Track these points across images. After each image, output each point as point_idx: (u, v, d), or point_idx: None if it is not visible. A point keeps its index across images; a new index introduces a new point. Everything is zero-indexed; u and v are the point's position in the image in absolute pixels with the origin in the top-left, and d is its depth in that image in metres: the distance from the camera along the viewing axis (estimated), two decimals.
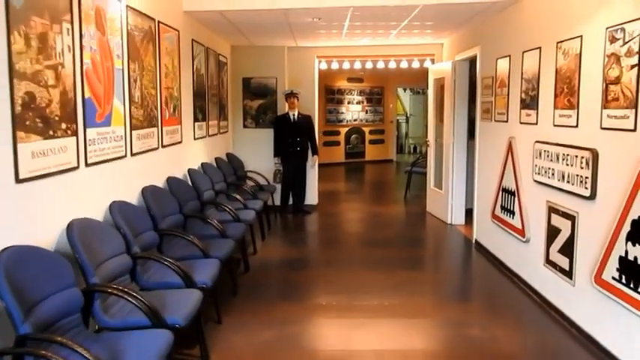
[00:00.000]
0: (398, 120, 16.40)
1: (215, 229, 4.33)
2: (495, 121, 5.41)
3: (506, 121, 5.06)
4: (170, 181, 4.54)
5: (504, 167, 5.06)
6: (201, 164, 5.76)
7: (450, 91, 6.96)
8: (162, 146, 4.52)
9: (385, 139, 15.43)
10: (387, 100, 15.36)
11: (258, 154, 8.03)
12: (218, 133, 6.92)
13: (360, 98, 14.87)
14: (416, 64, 8.70)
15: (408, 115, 17.78)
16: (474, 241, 6.10)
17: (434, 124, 7.77)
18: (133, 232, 3.34)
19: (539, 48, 4.26)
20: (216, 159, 6.45)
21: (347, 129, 14.67)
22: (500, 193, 5.17)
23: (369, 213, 8.05)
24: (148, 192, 3.93)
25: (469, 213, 7.03)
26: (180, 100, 5.03)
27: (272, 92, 8.02)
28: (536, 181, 4.31)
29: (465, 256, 5.92)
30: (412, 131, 17.75)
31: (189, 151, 5.40)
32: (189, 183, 5.09)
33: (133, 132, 3.79)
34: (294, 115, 7.63)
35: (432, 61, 8.18)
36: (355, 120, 14.81)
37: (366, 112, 14.99)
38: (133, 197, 3.78)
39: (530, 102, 4.48)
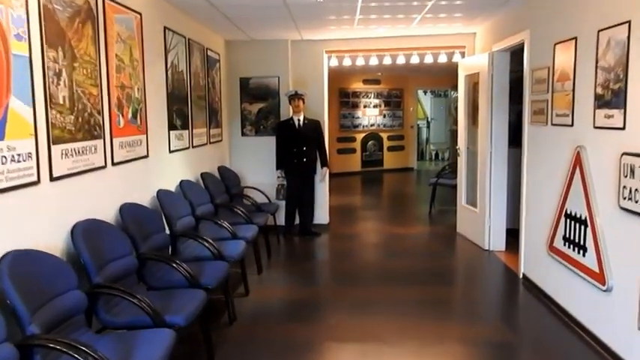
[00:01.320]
0: (418, 125, 15.17)
1: (185, 275, 3.19)
2: (553, 124, 4.18)
3: (571, 125, 3.84)
4: (125, 209, 3.41)
5: (568, 186, 3.83)
6: (180, 183, 4.63)
7: (487, 89, 5.74)
8: (114, 163, 3.39)
9: (405, 146, 14.21)
10: (406, 103, 14.14)
11: (260, 167, 6.91)
12: (208, 143, 5.80)
13: (377, 101, 13.68)
14: (443, 59, 7.47)
15: (429, 119, 16.58)
16: (520, 276, 4.86)
17: (465, 128, 6.55)
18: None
19: (628, 22, 3.04)
20: (203, 175, 5.31)
21: (363, 135, 13.49)
22: (563, 219, 3.93)
23: (389, 235, 6.83)
24: (80, 233, 2.80)
25: (511, 234, 5.80)
26: (144, 102, 3.91)
27: (274, 94, 6.89)
28: (624, 208, 3.07)
29: (510, 298, 4.67)
30: (434, 137, 16.55)
31: (160, 168, 4.28)
32: (160, 209, 3.96)
33: (53, 147, 2.67)
34: (299, 120, 6.48)
35: (463, 55, 6.97)
36: (372, 125, 13.63)
37: (384, 117, 13.80)
38: (49, 242, 2.65)
39: (611, 99, 3.25)
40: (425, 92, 16.61)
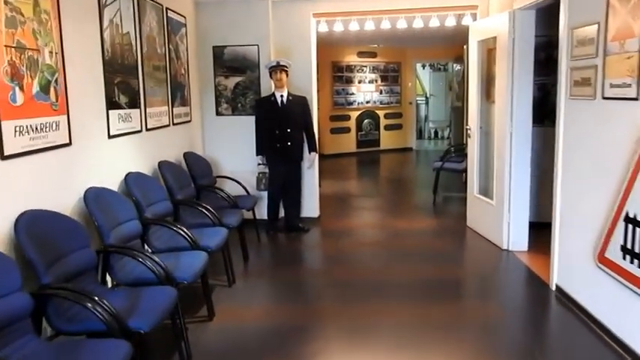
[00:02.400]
0: (417, 101, 14.14)
1: (106, 315, 2.24)
2: (605, 98, 3.20)
3: (636, 99, 2.86)
4: (25, 224, 2.43)
5: (631, 181, 2.88)
6: (126, 177, 3.64)
7: (506, 56, 4.74)
8: (4, 157, 2.40)
9: (403, 124, 13.21)
10: (404, 78, 13.09)
11: (238, 152, 5.92)
12: (170, 125, 4.79)
13: (373, 76, 12.63)
14: (451, 22, 6.42)
15: (428, 95, 15.56)
16: (553, 287, 3.94)
17: (477, 104, 5.55)
18: None
19: None
20: (162, 165, 4.31)
21: (358, 113, 12.48)
22: (621, 224, 2.99)
23: (389, 230, 5.87)
24: None
25: (534, 229, 4.89)
26: (63, 72, 2.91)
27: (253, 66, 5.86)
28: None
29: (542, 317, 3.73)
30: (433, 114, 15.58)
31: (91, 159, 3.28)
32: (88, 216, 2.98)
33: None
34: (282, 96, 5.47)
35: (474, 17, 5.93)
36: (368, 102, 12.61)
37: (381, 93, 12.77)
38: None
39: None
40: (423, 66, 15.57)
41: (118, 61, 3.66)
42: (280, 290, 4.17)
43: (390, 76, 12.89)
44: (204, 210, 4.00)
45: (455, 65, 11.33)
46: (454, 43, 10.91)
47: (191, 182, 4.66)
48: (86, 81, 3.21)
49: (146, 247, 3.51)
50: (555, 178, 3.92)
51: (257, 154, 5.61)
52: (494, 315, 3.64)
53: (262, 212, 5.77)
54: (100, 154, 3.37)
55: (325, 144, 12.05)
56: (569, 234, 3.73)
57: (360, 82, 12.45)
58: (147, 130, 4.18)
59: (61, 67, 2.88)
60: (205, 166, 5.22)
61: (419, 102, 14.78)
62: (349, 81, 12.32)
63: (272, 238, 5.56)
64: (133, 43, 3.93)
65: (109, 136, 3.50)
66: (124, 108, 3.74)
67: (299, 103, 5.55)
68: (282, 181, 5.58)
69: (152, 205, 3.67)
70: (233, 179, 5.43)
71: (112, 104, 3.54)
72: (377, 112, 12.74)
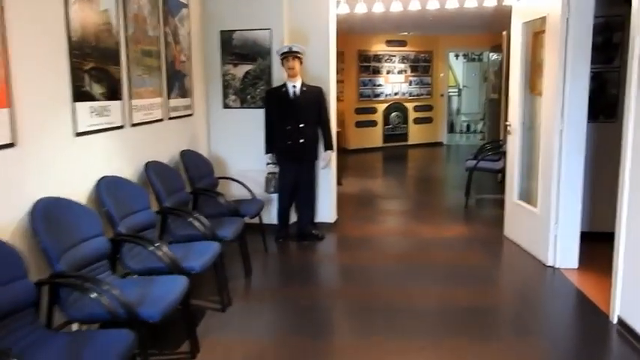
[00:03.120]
0: (449, 93, 13.31)
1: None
2: None
3: None
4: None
5: None
6: (98, 183, 3.06)
7: (558, 40, 3.99)
8: None
9: (434, 117, 12.43)
10: (436, 69, 12.28)
11: (247, 149, 5.32)
12: (165, 119, 4.21)
13: (402, 66, 11.87)
14: (491, 2, 5.65)
15: (461, 86, 14.71)
16: (614, 319, 3.22)
17: (520, 97, 4.80)
18: None
19: None
20: (150, 166, 3.72)
21: (386, 105, 11.76)
22: None
23: (415, 240, 5.17)
24: None
25: (586, 241, 4.16)
26: (3, 54, 2.33)
27: (265, 53, 5.23)
28: None
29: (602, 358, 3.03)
30: (465, 107, 14.75)
31: (48, 163, 2.70)
32: (38, 232, 2.41)
33: None
34: (294, 87, 4.84)
35: None
36: (396, 94, 11.87)
37: (410, 84, 12.00)
38: None
39: None
40: (456, 56, 14.71)
41: (91, 44, 3.08)
42: (284, 317, 3.54)
43: (421, 66, 12.11)
44: (194, 221, 3.40)
45: (491, 54, 10.47)
46: (491, 30, 10.08)
47: (185, 186, 4.06)
48: (42, 67, 2.64)
49: (122, 266, 2.94)
50: (621, 184, 3.19)
51: (266, 153, 5.00)
52: (540, 357, 2.94)
53: (272, 217, 5.17)
54: (61, 157, 2.79)
55: (349, 138, 11.40)
56: (638, 252, 3.00)
57: (388, 72, 11.71)
58: (132, 125, 3.60)
59: None
60: (206, 166, 4.62)
61: (451, 94, 13.94)
62: (376, 71, 11.59)
63: (281, 247, 4.94)
64: (113, 22, 3.34)
65: (76, 134, 2.93)
66: (99, 100, 3.16)
67: (314, 95, 4.91)
68: (294, 183, 4.95)
69: (130, 215, 3.10)
70: (237, 180, 4.83)
71: (80, 95, 2.96)
72: (406, 104, 11.99)
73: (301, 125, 4.82)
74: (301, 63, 4.84)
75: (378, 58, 11.57)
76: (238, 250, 4.09)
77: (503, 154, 6.14)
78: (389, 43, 11.57)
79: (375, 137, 11.71)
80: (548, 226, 4.21)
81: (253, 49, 5.23)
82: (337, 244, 5.12)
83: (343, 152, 11.36)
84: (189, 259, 2.97)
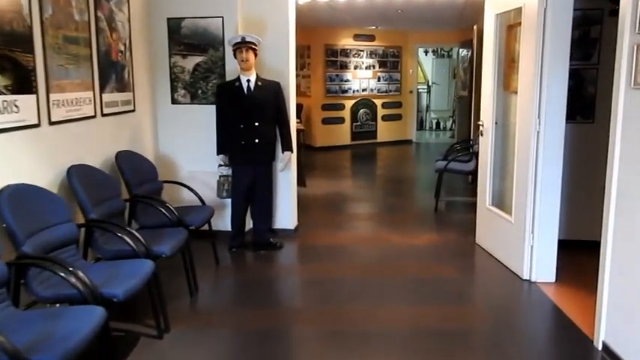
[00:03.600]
0: (418, 90, 13.02)
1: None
2: None
3: None
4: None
5: None
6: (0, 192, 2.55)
7: (535, 34, 3.64)
8: None
9: (403, 115, 12.10)
10: (405, 65, 11.96)
11: (199, 148, 4.84)
12: (98, 116, 3.69)
13: (370, 62, 11.49)
14: None
15: (430, 83, 14.44)
16: (599, 345, 2.88)
17: (493, 94, 4.45)
18: None
19: None
20: (73, 171, 3.19)
21: (354, 102, 11.37)
22: None
23: (382, 248, 4.77)
24: None
25: (565, 250, 3.85)
26: None
27: (217, 43, 4.74)
28: None
29: None
30: (435, 104, 14.52)
31: None
32: None
33: None
34: (249, 81, 4.38)
35: None
36: (364, 90, 11.49)
37: (379, 80, 11.65)
38: None
39: None
40: (426, 52, 14.46)
41: None
42: (233, 345, 3.08)
43: (390, 61, 11.76)
44: (125, 235, 2.92)
45: (461, 50, 10.18)
46: (461, 25, 9.80)
47: (120, 193, 3.56)
48: None
49: (28, 291, 2.44)
50: (608, 191, 2.84)
51: (218, 153, 4.53)
52: None
53: (226, 223, 4.70)
54: None
55: (316, 136, 10.98)
56: (627, 269, 2.66)
57: (356, 67, 11.32)
58: (51, 123, 3.08)
59: None
60: (148, 168, 4.12)
61: (420, 90, 13.67)
62: (344, 66, 11.18)
63: (235, 258, 4.48)
64: (24, 3, 2.82)
65: None
66: (2, 93, 2.64)
67: (270, 91, 4.46)
68: (249, 187, 4.50)
69: (42, 231, 2.60)
70: (184, 185, 4.34)
71: None
72: (374, 101, 11.63)
73: (256, 124, 4.36)
74: (256, 55, 4.38)
75: (345, 52, 11.17)
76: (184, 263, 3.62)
77: (475, 155, 5.81)
78: (357, 37, 11.17)
79: (342, 135, 11.32)
80: (523, 237, 3.87)
81: (204, 38, 4.74)
82: (298, 254, 4.70)
83: (309, 150, 10.98)
84: (112, 284, 2.50)
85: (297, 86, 11.60)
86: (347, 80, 11.24)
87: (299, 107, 11.20)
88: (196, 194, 4.22)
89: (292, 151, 4.66)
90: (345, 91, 11.25)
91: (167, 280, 3.53)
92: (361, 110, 11.50)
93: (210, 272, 4.12)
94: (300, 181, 7.28)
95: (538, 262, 3.83)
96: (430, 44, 13.02)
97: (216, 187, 4.60)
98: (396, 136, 11.93)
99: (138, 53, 4.44)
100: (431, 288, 3.82)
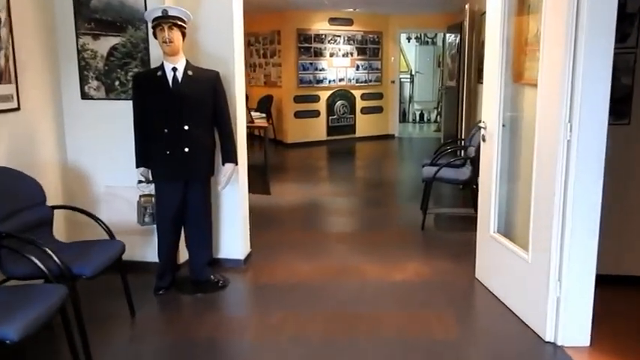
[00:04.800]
0: (400, 79, 11.97)
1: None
2: None
3: None
4: None
5: None
6: None
7: (567, 3, 2.57)
8: None
9: (384, 107, 11.04)
10: (386, 51, 10.88)
11: (118, 156, 3.70)
12: None
13: (348, 48, 10.38)
14: None
15: (413, 72, 13.42)
16: None
17: (499, 87, 3.37)
18: None
19: None
20: None
21: (330, 93, 10.27)
22: None
23: (358, 288, 3.62)
24: None
25: (597, 287, 2.83)
26: None
27: (138, 20, 3.58)
28: None
29: None
30: (419, 94, 13.56)
31: None
32: None
33: None
34: (175, 70, 3.25)
35: None
36: (341, 80, 10.39)
37: (357, 69, 10.56)
38: None
39: None
40: (408, 39, 13.43)
41: None
42: None
43: (370, 48, 10.65)
44: None
45: (448, 36, 9.11)
46: (448, 8, 8.77)
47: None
48: None
49: None
50: None
51: (137, 166, 3.41)
52: None
53: (153, 254, 3.59)
54: None
55: (288, 130, 9.89)
56: None
57: (332, 55, 10.20)
58: None
59: None
60: (26, 191, 2.94)
61: (403, 80, 12.61)
62: (319, 54, 10.05)
63: (161, 305, 3.37)
64: None
65: None
66: None
67: (205, 83, 3.33)
68: (179, 210, 3.39)
69: None
70: (83, 211, 3.19)
71: None
72: (352, 92, 10.53)
73: (186, 127, 3.24)
74: (184, 35, 3.25)
75: (320, 38, 10.03)
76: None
77: (470, 160, 4.78)
78: (332, 21, 10.04)
79: (317, 129, 10.22)
80: (546, 284, 2.83)
81: (121, 14, 3.59)
82: (246, 297, 3.61)
83: (280, 147, 9.87)
84: None
85: (267, 76, 10.53)
86: (322, 69, 10.12)
87: (268, 99, 10.07)
88: (103, 226, 3.08)
89: (236, 163, 3.52)
90: (320, 81, 10.13)
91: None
92: (338, 102, 10.40)
93: (121, 330, 3.01)
94: (263, 189, 6.19)
95: (567, 319, 2.80)
96: (414, 29, 11.96)
97: (137, 211, 3.48)
98: (376, 131, 10.87)
99: (25, 30, 3.28)
100: (419, 357, 2.75)
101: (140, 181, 3.42)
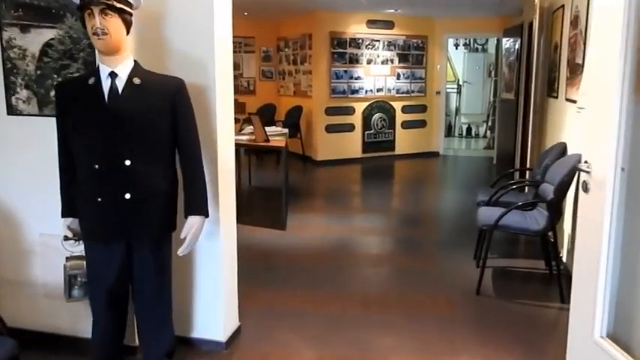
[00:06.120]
0: (447, 90, 10.69)
1: None
2: None
3: None
4: None
5: None
6: None
7: None
8: None
9: (428, 121, 9.77)
10: (431, 59, 9.62)
11: (56, 194, 2.61)
12: None
13: (388, 55, 9.20)
14: None
15: (461, 82, 12.16)
16: None
17: (615, 112, 2.12)
18: None
19: None
20: None
21: (366, 104, 9.10)
22: None
23: None
24: None
25: None
26: None
27: (71, 6, 2.53)
28: None
29: None
30: (466, 106, 12.32)
31: None
32: None
33: None
34: (114, 77, 2.15)
35: None
36: (380, 90, 9.21)
37: (398, 78, 9.35)
38: None
39: None
40: (456, 45, 12.17)
41: None
42: None
43: (413, 55, 9.44)
44: None
45: (505, 41, 7.79)
46: (503, 11, 7.48)
47: None
48: None
49: None
50: None
51: (62, 216, 2.34)
52: None
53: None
54: None
55: (318, 147, 8.77)
56: None
57: (369, 62, 9.03)
58: None
59: None
60: None
61: (449, 91, 11.33)
62: (354, 60, 8.90)
63: None
64: None
65: None
66: None
67: (160, 96, 2.22)
68: (119, 281, 2.28)
69: None
70: None
71: None
72: (392, 103, 9.33)
73: (127, 162, 2.13)
74: (128, 26, 2.16)
75: (356, 43, 8.88)
76: None
77: (548, 203, 3.51)
78: (371, 23, 8.88)
79: (351, 146, 9.05)
80: None
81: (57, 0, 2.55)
82: None
83: (309, 164, 8.77)
84: None
85: (296, 85, 9.46)
86: (358, 78, 8.96)
87: (297, 110, 9.00)
88: None
89: (206, 215, 2.37)
90: (356, 92, 8.97)
91: None
92: (375, 115, 9.21)
93: None
94: (277, 222, 5.08)
95: None
96: (463, 34, 10.68)
97: (63, 279, 2.40)
98: (418, 148, 9.62)
99: None
100: None
101: (66, 238, 2.34)
